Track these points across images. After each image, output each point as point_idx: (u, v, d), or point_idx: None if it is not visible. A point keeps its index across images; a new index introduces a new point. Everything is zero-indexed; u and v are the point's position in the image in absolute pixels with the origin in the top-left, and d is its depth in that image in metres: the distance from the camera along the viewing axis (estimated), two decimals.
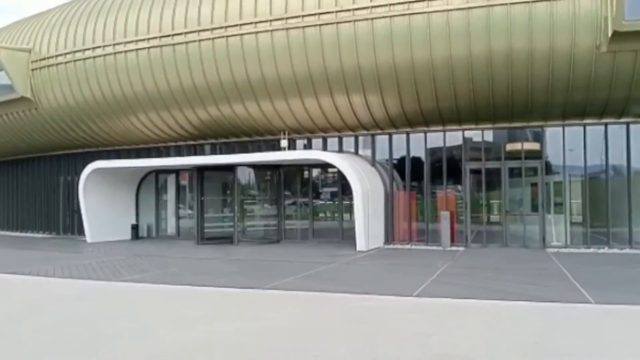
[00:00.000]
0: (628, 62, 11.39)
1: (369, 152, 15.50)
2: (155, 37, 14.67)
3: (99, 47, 15.59)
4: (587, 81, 11.89)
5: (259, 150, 16.16)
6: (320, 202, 16.76)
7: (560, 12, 11.26)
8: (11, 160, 22.39)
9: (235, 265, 11.44)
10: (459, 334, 5.55)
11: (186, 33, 14.26)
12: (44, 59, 16.76)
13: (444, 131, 14.51)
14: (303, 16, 13.01)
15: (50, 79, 16.69)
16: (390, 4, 12.21)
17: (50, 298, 8.06)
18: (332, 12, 12.72)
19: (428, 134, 14.70)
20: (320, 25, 12.86)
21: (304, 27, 13.00)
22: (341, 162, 13.64)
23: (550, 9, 11.27)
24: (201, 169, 16.27)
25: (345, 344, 5.22)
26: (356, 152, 15.55)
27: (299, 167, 16.61)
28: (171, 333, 5.76)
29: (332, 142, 15.76)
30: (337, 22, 12.71)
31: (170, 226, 18.71)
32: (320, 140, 15.90)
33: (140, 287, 8.79)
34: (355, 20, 12.55)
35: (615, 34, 10.83)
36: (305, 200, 16.55)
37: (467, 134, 14.49)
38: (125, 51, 15.14)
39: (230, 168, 15.92)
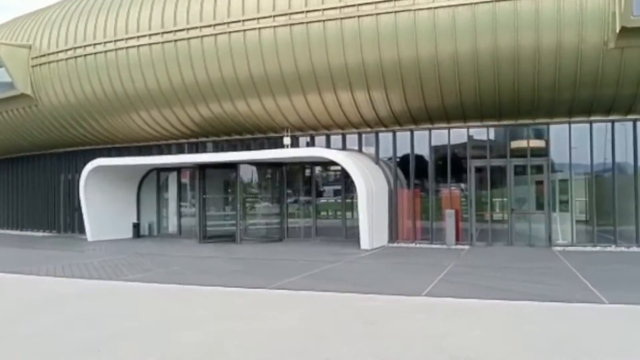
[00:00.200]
0: (636, 58, 11.23)
1: (372, 150, 15.34)
2: (157, 34, 14.51)
3: (100, 43, 15.42)
4: (594, 78, 11.74)
5: (262, 147, 16.02)
6: (323, 200, 16.62)
7: (568, 8, 11.11)
8: (11, 158, 22.21)
9: (239, 264, 11.31)
10: (473, 335, 5.42)
11: (188, 29, 14.09)
12: (44, 55, 16.59)
13: (449, 128, 14.36)
14: (307, 12, 12.84)
15: (51, 75, 16.52)
16: (395, 0, 12.07)
17: (51, 298, 7.92)
18: (337, 7, 12.56)
19: (432, 132, 14.55)
20: (324, 21, 12.70)
21: (307, 22, 12.84)
22: (345, 160, 13.49)
23: (558, 5, 11.12)
24: (203, 167, 16.13)
25: (357, 346, 5.08)
26: (360, 150, 15.39)
27: (301, 165, 16.47)
28: (179, 335, 5.63)
29: (336, 139, 15.61)
30: (341, 18, 12.55)
31: (172, 224, 18.56)
32: (323, 138, 15.75)
33: (143, 287, 8.65)
34: (359, 16, 12.39)
35: (624, 29, 10.69)
36: (308, 198, 16.40)
37: (472, 131, 14.34)
38: (127, 47, 14.98)
39: (233, 166, 15.77)
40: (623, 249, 12.66)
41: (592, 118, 13.22)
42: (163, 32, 14.42)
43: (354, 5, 12.42)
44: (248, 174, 16.71)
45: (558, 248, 13.01)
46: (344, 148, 15.38)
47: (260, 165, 16.37)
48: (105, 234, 16.99)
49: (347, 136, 15.49)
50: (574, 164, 13.54)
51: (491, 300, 7.10)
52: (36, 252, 14.09)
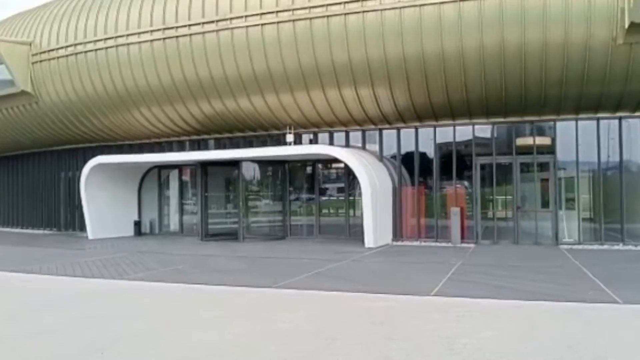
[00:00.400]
0: None
1: (376, 147, 15.19)
2: (159, 30, 14.36)
3: (101, 40, 15.27)
4: (602, 74, 11.59)
5: (264, 145, 15.88)
6: (326, 198, 16.47)
7: (576, 3, 10.95)
8: (12, 156, 22.08)
9: (243, 262, 11.17)
10: (486, 336, 5.28)
11: (190, 25, 13.94)
12: (44, 52, 16.43)
13: (454, 125, 14.20)
14: (310, 7, 12.69)
15: (51, 72, 16.37)
16: None
17: (53, 297, 7.78)
18: (340, 3, 12.40)
19: (437, 129, 14.40)
20: (327, 16, 12.54)
21: (311, 18, 12.68)
22: (349, 157, 13.34)
23: (566, 0, 10.96)
24: (205, 165, 15.98)
25: (367, 348, 4.94)
26: (363, 147, 15.24)
27: (304, 163, 16.32)
28: (187, 336, 5.48)
29: (339, 136, 15.46)
30: (345, 14, 12.39)
31: (173, 222, 18.43)
32: (326, 135, 15.60)
33: (146, 286, 8.50)
34: (363, 12, 12.23)
35: (633, 25, 10.53)
36: (311, 196, 16.25)
37: (478, 128, 14.19)
38: (128, 44, 14.82)
39: (235, 163, 15.60)
40: (631, 247, 12.50)
41: (600, 115, 13.06)
42: (164, 29, 14.26)
43: (358, 1, 12.25)
44: (250, 172, 16.55)
45: (565, 246, 12.86)
46: (347, 145, 15.24)
47: (262, 162, 16.22)
48: (106, 232, 16.85)
49: (351, 133, 15.35)
50: (580, 161, 13.37)
51: (502, 300, 6.94)
52: (37, 250, 13.95)
